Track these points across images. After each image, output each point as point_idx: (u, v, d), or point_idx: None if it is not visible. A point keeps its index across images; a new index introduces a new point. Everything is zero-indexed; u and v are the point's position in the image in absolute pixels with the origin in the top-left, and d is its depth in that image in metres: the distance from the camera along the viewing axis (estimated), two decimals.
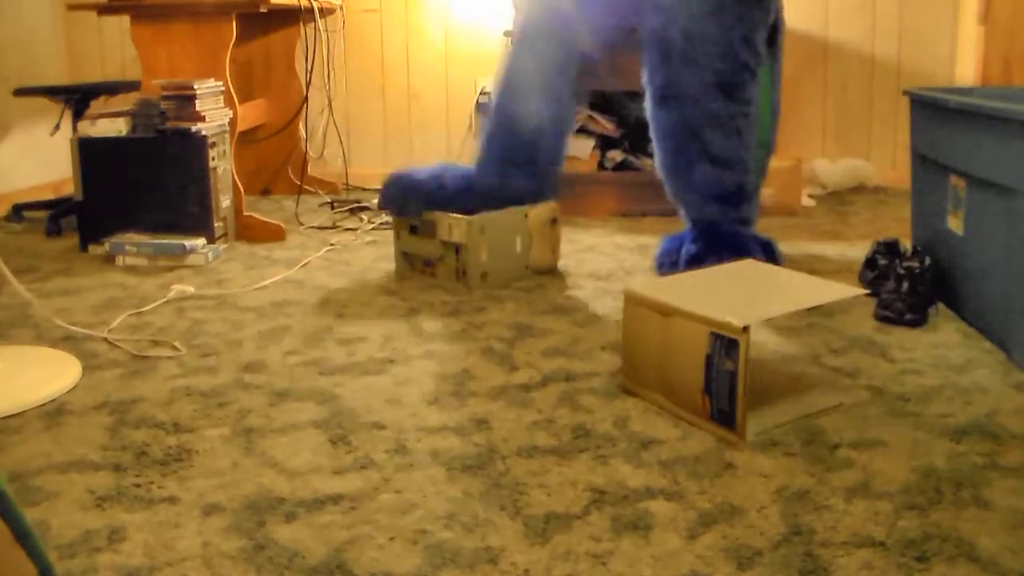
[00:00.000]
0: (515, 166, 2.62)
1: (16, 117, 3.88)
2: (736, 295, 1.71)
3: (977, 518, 1.32)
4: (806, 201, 3.62)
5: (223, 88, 3.14)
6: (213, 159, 3.01)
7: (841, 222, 3.33)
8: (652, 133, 2.58)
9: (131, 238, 2.92)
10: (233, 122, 3.18)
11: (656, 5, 2.48)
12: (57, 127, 3.51)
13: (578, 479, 1.46)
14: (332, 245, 3.10)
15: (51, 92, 3.44)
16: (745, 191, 2.53)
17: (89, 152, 3.02)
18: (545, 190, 2.68)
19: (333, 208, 3.71)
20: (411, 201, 2.61)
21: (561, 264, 2.79)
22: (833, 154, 4.04)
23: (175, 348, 2.11)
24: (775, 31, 2.62)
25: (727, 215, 2.53)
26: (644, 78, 2.56)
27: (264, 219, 3.22)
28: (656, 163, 2.60)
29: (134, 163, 3.00)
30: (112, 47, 4.34)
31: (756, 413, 1.65)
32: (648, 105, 2.57)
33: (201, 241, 2.91)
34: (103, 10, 3.19)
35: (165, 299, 2.49)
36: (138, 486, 1.47)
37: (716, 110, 2.46)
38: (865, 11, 3.95)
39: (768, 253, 2.48)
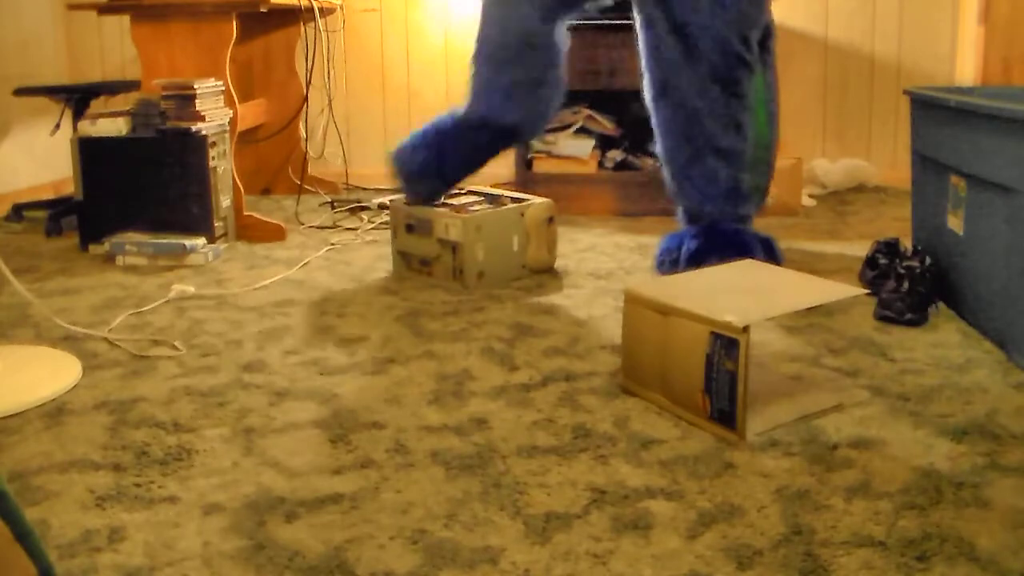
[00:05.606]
0: (502, 94, 2.61)
1: (16, 117, 3.88)
2: (736, 294, 1.71)
3: (977, 518, 1.32)
4: (806, 201, 3.62)
5: (223, 88, 3.14)
6: (213, 159, 3.01)
7: (841, 222, 3.33)
8: (654, 123, 2.57)
9: (131, 238, 2.92)
10: (233, 122, 3.18)
11: None
12: (57, 127, 3.51)
13: (578, 479, 1.46)
14: (332, 245, 3.10)
15: (51, 92, 3.44)
16: (742, 188, 2.53)
17: (89, 152, 3.01)
18: (532, 122, 2.67)
19: (333, 208, 3.71)
20: (428, 187, 2.68)
21: (561, 264, 2.79)
22: (833, 154, 4.04)
23: (175, 348, 2.11)
24: (767, 35, 2.61)
25: (726, 212, 2.52)
26: (642, 67, 2.56)
27: (264, 219, 3.22)
28: (659, 153, 2.60)
29: (134, 163, 3.00)
30: (112, 47, 4.34)
31: (756, 413, 1.65)
32: (648, 95, 2.57)
33: (201, 241, 2.91)
34: (103, 10, 3.19)
35: (165, 299, 2.49)
36: (138, 486, 1.47)
37: (716, 104, 2.46)
38: (865, 11, 3.94)
39: (768, 251, 2.48)
